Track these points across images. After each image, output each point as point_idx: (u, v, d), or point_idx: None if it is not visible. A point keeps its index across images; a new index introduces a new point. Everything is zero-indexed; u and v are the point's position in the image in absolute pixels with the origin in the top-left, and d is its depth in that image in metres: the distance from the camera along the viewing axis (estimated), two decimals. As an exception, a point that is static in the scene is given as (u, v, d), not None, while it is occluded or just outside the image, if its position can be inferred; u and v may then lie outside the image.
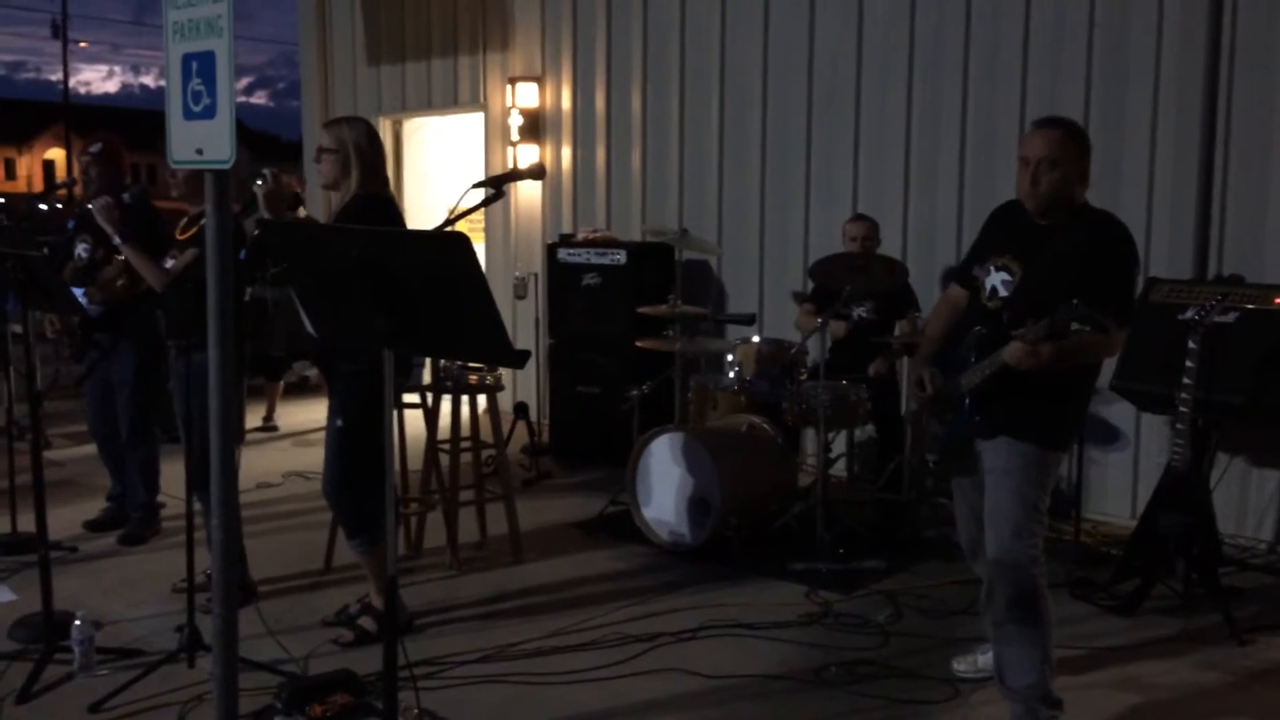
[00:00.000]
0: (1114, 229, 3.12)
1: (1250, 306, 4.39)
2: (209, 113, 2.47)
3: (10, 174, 47.79)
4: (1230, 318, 4.37)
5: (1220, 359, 4.25)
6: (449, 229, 2.60)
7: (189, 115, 2.52)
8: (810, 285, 6.04)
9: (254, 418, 7.46)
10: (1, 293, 3.98)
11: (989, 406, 3.16)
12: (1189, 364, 4.13)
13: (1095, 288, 2.98)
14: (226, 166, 2.46)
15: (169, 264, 4.54)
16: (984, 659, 3.59)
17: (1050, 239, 3.12)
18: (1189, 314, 4.23)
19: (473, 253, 2.32)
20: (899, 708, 3.45)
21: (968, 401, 3.20)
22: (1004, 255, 3.20)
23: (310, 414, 7.85)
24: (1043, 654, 3.11)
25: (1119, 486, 5.45)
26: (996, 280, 3.21)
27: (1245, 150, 5.03)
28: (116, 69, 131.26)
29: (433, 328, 2.50)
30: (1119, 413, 5.32)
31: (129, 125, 24.60)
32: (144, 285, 4.65)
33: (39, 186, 42.17)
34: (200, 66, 2.48)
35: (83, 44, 52.86)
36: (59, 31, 33.62)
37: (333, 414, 3.91)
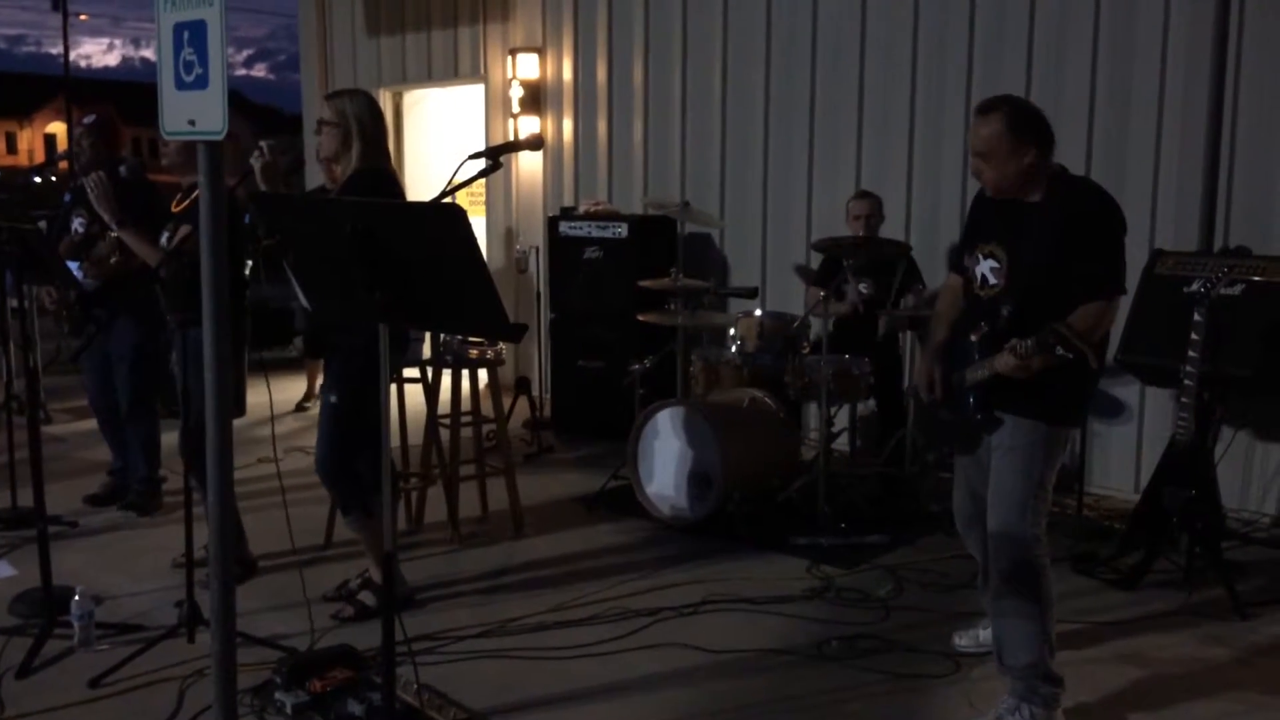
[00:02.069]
0: (1091, 198, 3.06)
1: (1257, 279, 4.36)
2: (201, 83, 2.43)
3: (11, 148, 47.70)
4: (1236, 290, 4.34)
5: (1226, 332, 4.22)
6: (444, 201, 2.57)
7: (181, 86, 2.48)
8: (814, 260, 6.01)
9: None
10: (0, 268, 3.96)
11: (991, 393, 3.11)
12: (1194, 337, 4.09)
13: (1081, 264, 2.95)
14: (219, 137, 2.42)
15: (164, 239, 4.50)
16: (985, 634, 3.57)
17: (1030, 217, 3.07)
18: (1195, 286, 4.19)
19: (468, 225, 2.29)
20: (900, 682, 3.45)
21: (971, 399, 3.17)
22: (989, 242, 3.16)
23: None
24: (1042, 632, 3.09)
25: (1122, 460, 5.43)
26: (985, 268, 3.16)
27: (1253, 121, 4.97)
28: (117, 42, 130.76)
29: (428, 301, 2.47)
30: (1123, 386, 5.29)
31: (130, 99, 24.47)
32: (138, 261, 4.62)
33: (40, 160, 42.09)
34: (191, 36, 2.44)
35: (83, 17, 52.35)
36: (59, 4, 33.36)
37: (327, 389, 3.89)
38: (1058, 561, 3.30)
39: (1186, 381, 4.12)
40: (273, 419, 6.07)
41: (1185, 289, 4.35)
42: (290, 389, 7.80)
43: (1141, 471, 5.25)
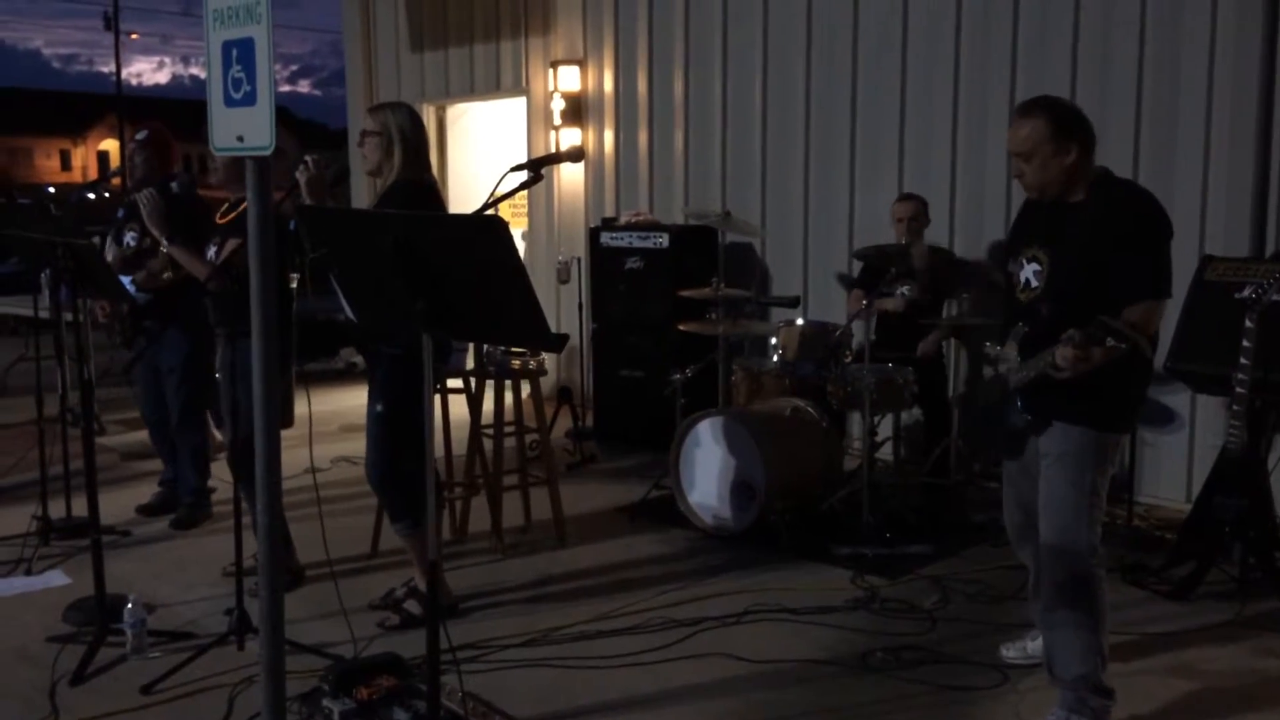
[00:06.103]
0: (1132, 200, 3.03)
1: (1310, 284, 4.27)
2: (249, 99, 2.47)
3: (66, 165, 48.64)
4: (1289, 296, 4.25)
5: (1278, 338, 4.14)
6: (485, 213, 2.59)
7: (230, 103, 2.52)
8: (856, 268, 5.98)
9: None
10: (55, 281, 4.05)
11: (1039, 399, 3.09)
12: (1246, 344, 4.02)
13: (1125, 265, 2.91)
14: (267, 153, 2.47)
15: (211, 252, 4.58)
16: (1033, 645, 3.53)
17: (1073, 218, 3.04)
18: (1246, 292, 4.12)
19: (509, 236, 2.31)
20: (946, 694, 3.41)
21: (1019, 401, 3.14)
22: (1031, 246, 3.14)
23: (359, 399, 7.89)
24: (1095, 643, 3.05)
25: (1173, 469, 5.34)
26: (1029, 272, 3.14)
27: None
28: (167, 60, 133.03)
29: (470, 312, 2.49)
30: (1174, 394, 5.21)
31: (180, 115, 24.86)
32: (187, 274, 4.70)
33: (94, 177, 42.90)
34: (240, 53, 2.49)
35: (134, 35, 53.50)
36: (112, 24, 34.07)
37: (373, 398, 3.94)
38: (1108, 572, 3.24)
39: (1238, 389, 4.05)
40: (310, 429, 6.13)
41: (1236, 295, 4.28)
42: (335, 401, 7.90)
43: (1193, 481, 5.16)
